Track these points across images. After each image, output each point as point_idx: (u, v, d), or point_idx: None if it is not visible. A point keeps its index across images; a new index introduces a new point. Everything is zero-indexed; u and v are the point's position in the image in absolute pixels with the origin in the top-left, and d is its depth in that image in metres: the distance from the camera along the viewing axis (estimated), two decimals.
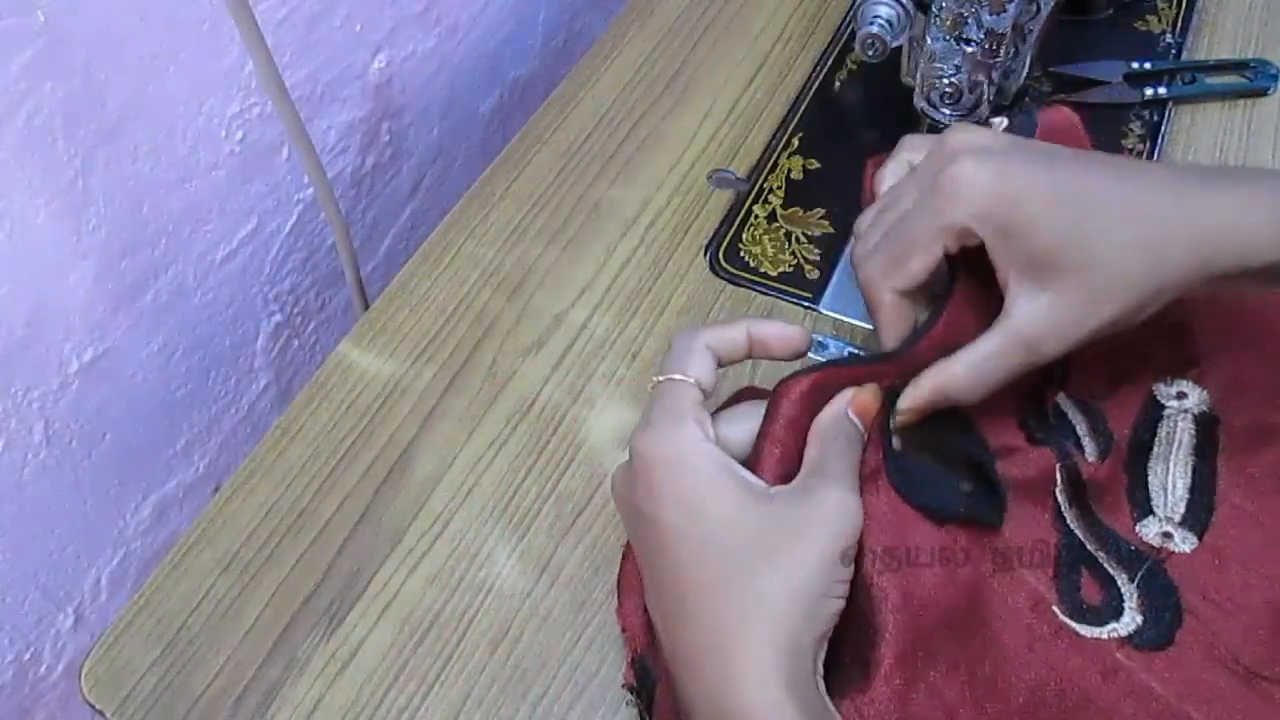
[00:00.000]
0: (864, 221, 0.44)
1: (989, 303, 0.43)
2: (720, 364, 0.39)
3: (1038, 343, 0.38)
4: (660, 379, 0.38)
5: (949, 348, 0.41)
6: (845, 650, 0.36)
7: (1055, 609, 0.39)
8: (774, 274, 0.56)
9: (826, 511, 0.35)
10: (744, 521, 0.35)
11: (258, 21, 0.51)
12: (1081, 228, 0.37)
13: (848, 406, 0.39)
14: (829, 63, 0.68)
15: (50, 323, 0.53)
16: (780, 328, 0.40)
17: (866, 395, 0.40)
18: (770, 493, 0.36)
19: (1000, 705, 0.37)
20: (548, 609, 0.45)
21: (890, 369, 0.41)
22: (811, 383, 0.39)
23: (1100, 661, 0.38)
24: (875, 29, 0.53)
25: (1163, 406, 0.44)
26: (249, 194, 0.63)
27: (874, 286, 0.41)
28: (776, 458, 0.38)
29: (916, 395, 0.40)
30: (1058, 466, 0.42)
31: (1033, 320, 0.38)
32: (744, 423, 0.39)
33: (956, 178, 0.38)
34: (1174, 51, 0.66)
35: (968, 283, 0.44)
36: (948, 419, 0.42)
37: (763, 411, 0.39)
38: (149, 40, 0.52)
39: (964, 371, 0.39)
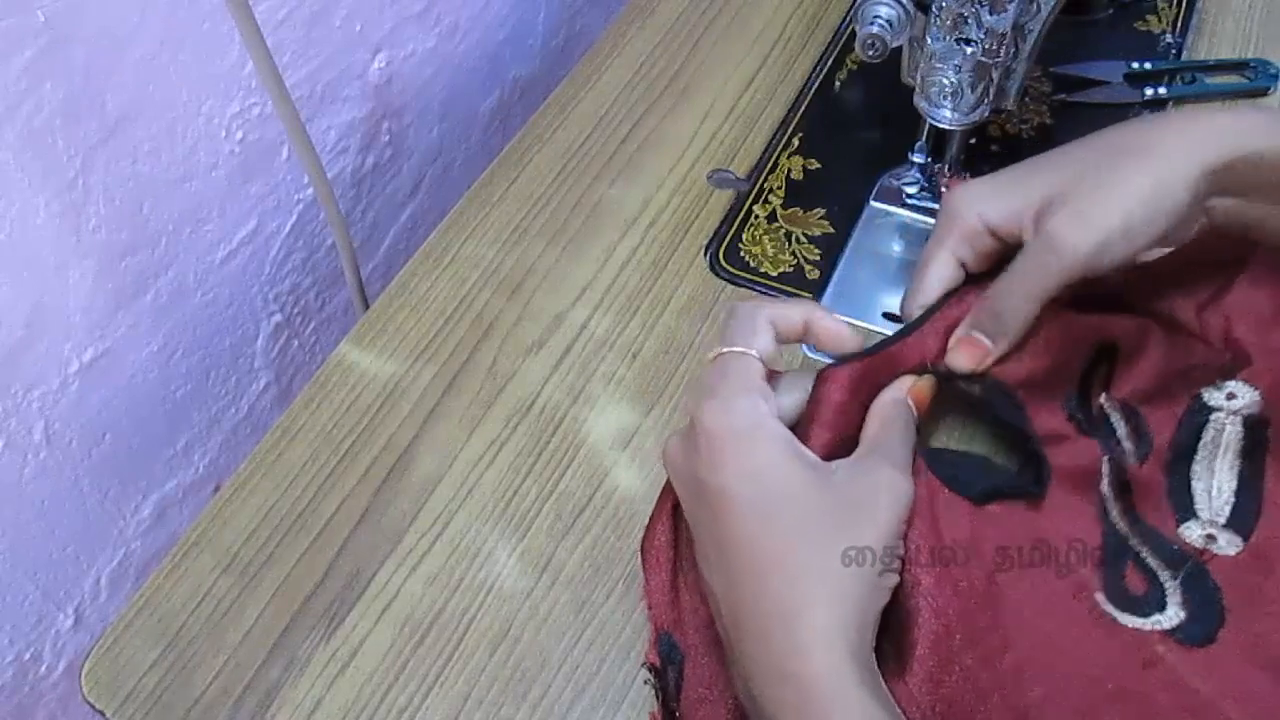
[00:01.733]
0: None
1: None
2: (778, 341, 0.40)
3: (1070, 247, 0.39)
4: (724, 350, 0.39)
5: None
6: (883, 636, 0.36)
7: (1098, 595, 0.39)
8: (774, 274, 0.56)
9: (886, 489, 0.37)
10: (811, 496, 0.36)
11: (258, 21, 0.51)
12: (1075, 163, 0.40)
13: (906, 394, 0.41)
14: (829, 63, 0.68)
15: (50, 323, 0.53)
16: (837, 326, 0.41)
17: (923, 386, 0.42)
18: (831, 469, 0.38)
19: (1031, 692, 0.37)
20: (548, 609, 0.45)
21: (920, 343, 0.43)
22: (858, 370, 0.41)
23: (1140, 652, 0.38)
24: (875, 29, 0.53)
25: (1210, 410, 0.43)
26: (249, 194, 0.63)
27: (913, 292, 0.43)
28: (825, 441, 0.39)
29: (962, 330, 0.42)
30: (1104, 459, 0.43)
31: (1058, 228, 0.39)
32: (794, 393, 0.41)
33: (954, 190, 0.42)
34: (1174, 51, 0.66)
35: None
36: (998, 397, 0.43)
37: (807, 381, 0.41)
38: (149, 40, 0.52)
39: (1002, 290, 0.41)
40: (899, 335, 0.43)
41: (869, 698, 0.32)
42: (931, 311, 0.44)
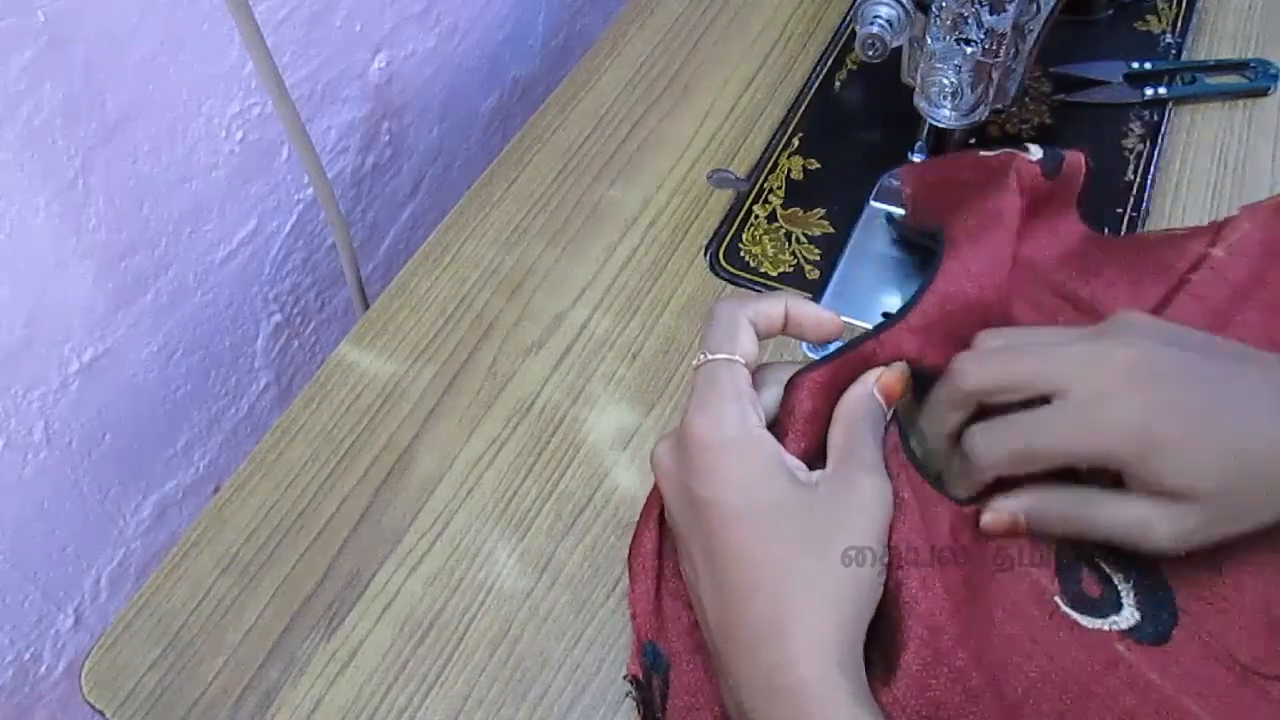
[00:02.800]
0: (978, 366, 0.41)
1: (982, 273, 0.45)
2: (761, 338, 0.39)
3: (1153, 539, 0.38)
4: (709, 357, 0.38)
5: (941, 320, 0.43)
6: (869, 645, 0.36)
7: (1057, 599, 0.39)
8: (774, 274, 0.56)
9: (866, 496, 0.37)
10: (799, 509, 0.36)
11: (258, 21, 0.51)
12: (1222, 473, 0.36)
13: (873, 387, 0.40)
14: (829, 63, 0.68)
15: (50, 323, 0.53)
16: (817, 311, 0.40)
17: (892, 376, 0.41)
18: (813, 479, 0.37)
19: (1011, 693, 0.37)
20: (548, 609, 0.45)
21: (890, 344, 0.42)
22: (827, 375, 0.40)
23: (1101, 653, 0.38)
24: (875, 29, 0.53)
25: None
26: (249, 194, 0.63)
27: (986, 463, 0.40)
28: (800, 450, 0.39)
29: (1012, 505, 0.40)
30: None
31: (1162, 522, 0.37)
32: (773, 389, 0.40)
33: (1107, 412, 0.37)
34: (1174, 51, 0.66)
35: (955, 256, 0.45)
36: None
37: (784, 375, 0.40)
38: (149, 40, 0.52)
39: (1067, 514, 0.39)
40: (870, 334, 0.43)
41: (860, 710, 0.32)
42: (905, 310, 0.43)
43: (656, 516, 0.42)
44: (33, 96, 0.47)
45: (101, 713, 0.44)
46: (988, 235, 0.47)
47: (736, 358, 0.38)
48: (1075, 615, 0.39)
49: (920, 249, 0.55)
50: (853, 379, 0.41)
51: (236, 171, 0.61)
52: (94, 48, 0.49)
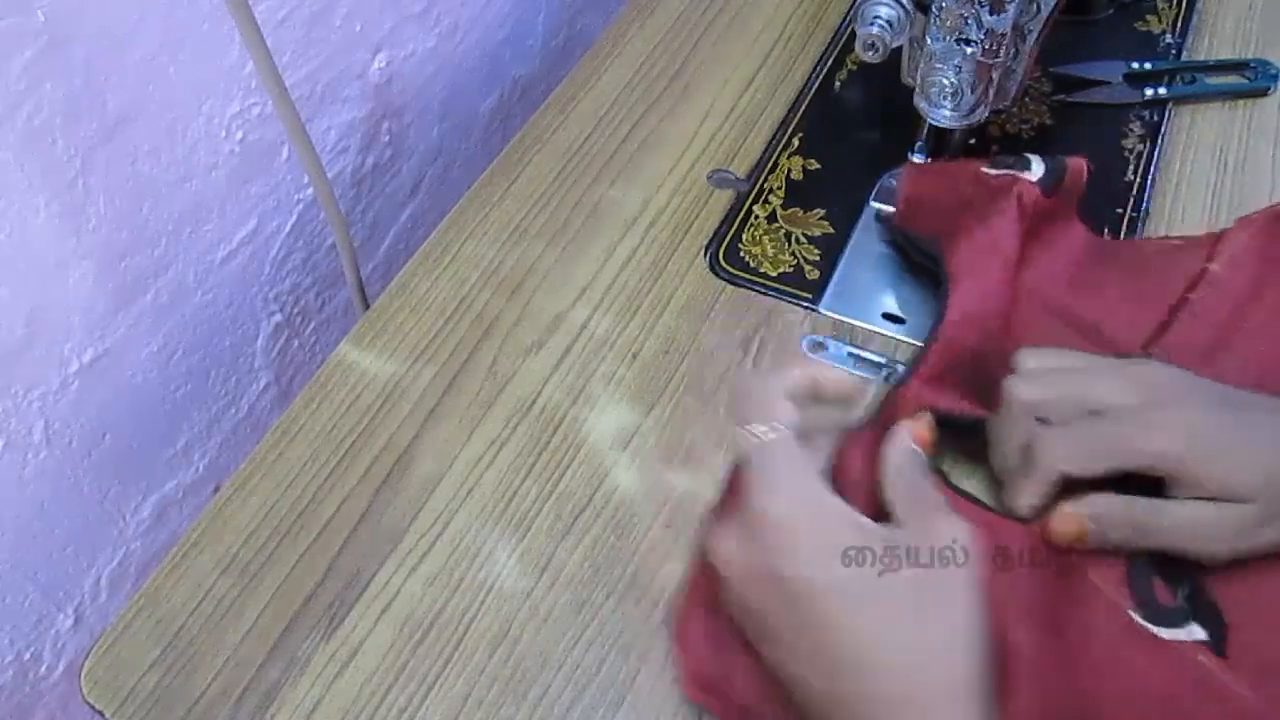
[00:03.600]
0: (1028, 389, 0.43)
1: (984, 316, 0.46)
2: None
3: (1218, 538, 0.40)
4: (759, 430, 0.38)
5: (950, 368, 0.45)
6: None
7: (1131, 613, 0.39)
8: (774, 274, 0.56)
9: (956, 539, 0.36)
10: (889, 575, 0.35)
11: (258, 21, 0.51)
12: (1267, 471, 0.39)
13: (908, 439, 0.41)
14: (829, 63, 0.68)
15: (50, 323, 0.53)
16: (840, 378, 0.41)
17: (921, 426, 0.42)
18: (894, 537, 0.37)
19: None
20: (548, 609, 0.45)
21: (905, 400, 0.44)
22: (863, 443, 0.41)
23: (1186, 667, 0.38)
24: (875, 29, 0.53)
25: None
26: (249, 194, 0.63)
27: (1051, 463, 0.42)
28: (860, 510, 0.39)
29: (1079, 509, 0.41)
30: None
31: (1224, 521, 0.39)
32: (823, 454, 0.40)
33: (1160, 417, 0.40)
34: (1174, 51, 0.66)
35: (957, 293, 0.46)
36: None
37: (826, 441, 0.41)
38: (149, 40, 0.52)
39: (1163, 526, 0.40)
40: (892, 389, 0.44)
41: None
42: (916, 363, 0.45)
43: (704, 600, 0.41)
44: (33, 96, 0.47)
45: (101, 713, 0.44)
46: (987, 269, 0.48)
47: (784, 429, 0.38)
48: (1151, 627, 0.39)
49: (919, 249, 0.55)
50: (880, 439, 0.41)
51: (236, 171, 0.61)
52: (94, 48, 0.49)
